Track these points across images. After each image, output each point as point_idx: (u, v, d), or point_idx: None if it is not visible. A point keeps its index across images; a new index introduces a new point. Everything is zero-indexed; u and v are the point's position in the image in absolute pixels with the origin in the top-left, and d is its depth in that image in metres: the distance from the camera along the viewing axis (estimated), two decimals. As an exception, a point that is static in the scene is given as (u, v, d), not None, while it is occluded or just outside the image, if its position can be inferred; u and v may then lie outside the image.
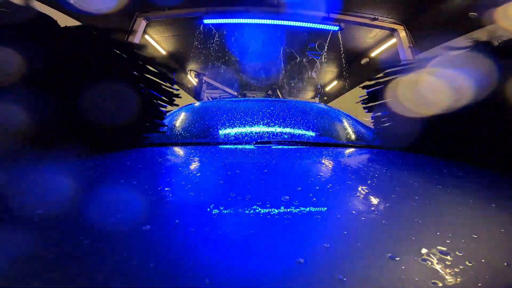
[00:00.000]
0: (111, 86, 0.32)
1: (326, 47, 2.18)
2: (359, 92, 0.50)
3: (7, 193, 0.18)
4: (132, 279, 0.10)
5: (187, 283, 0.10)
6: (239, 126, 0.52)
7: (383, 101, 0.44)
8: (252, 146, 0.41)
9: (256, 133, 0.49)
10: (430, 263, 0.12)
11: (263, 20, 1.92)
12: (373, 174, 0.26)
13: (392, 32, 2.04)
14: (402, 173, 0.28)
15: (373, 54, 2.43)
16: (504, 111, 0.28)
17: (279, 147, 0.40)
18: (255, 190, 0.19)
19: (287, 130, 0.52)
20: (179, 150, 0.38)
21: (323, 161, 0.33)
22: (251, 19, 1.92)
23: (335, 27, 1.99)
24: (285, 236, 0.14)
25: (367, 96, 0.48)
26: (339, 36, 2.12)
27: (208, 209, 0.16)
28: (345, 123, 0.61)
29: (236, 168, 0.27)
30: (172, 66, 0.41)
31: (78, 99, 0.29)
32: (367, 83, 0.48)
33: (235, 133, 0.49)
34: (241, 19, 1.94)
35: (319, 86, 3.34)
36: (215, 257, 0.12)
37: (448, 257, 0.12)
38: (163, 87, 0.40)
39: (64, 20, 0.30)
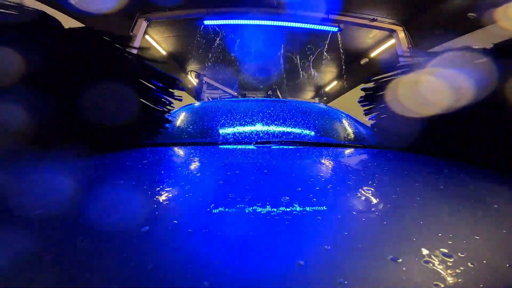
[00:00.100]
0: (111, 87, 0.32)
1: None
2: (359, 92, 0.51)
3: (7, 193, 0.17)
4: (132, 279, 0.10)
5: (186, 284, 0.10)
6: (239, 126, 0.52)
7: (383, 101, 0.44)
8: (252, 146, 0.41)
9: (256, 133, 0.49)
10: (432, 265, 0.11)
11: (263, 21, 1.93)
12: (373, 174, 0.26)
13: (391, 33, 2.05)
14: (402, 173, 0.28)
15: (373, 54, 2.44)
16: (504, 111, 0.28)
17: (279, 147, 0.40)
18: (255, 190, 0.19)
19: (287, 130, 0.52)
20: (179, 150, 0.38)
21: (323, 161, 0.33)
22: (251, 20, 1.94)
23: (334, 28, 2.00)
24: (285, 238, 0.13)
25: (365, 97, 0.48)
26: (339, 37, 2.13)
27: (208, 210, 0.16)
28: (345, 123, 0.61)
29: (236, 168, 0.27)
30: (174, 76, 0.40)
31: (78, 99, 0.29)
32: (364, 85, 0.48)
33: (235, 133, 0.49)
34: (241, 20, 1.95)
35: (320, 86, 3.35)
36: (215, 258, 0.12)
37: (450, 259, 0.12)
38: (164, 89, 0.40)
39: (64, 20, 0.30)
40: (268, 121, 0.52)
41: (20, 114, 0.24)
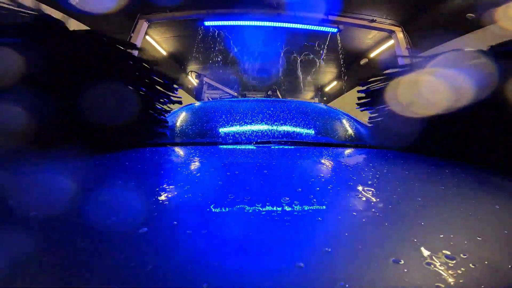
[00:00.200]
0: (111, 87, 0.32)
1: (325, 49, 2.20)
2: (358, 93, 0.51)
3: (7, 193, 0.18)
4: (132, 279, 0.10)
5: (185, 285, 0.10)
6: (239, 126, 0.52)
7: (382, 102, 0.44)
8: (252, 146, 0.41)
9: (256, 133, 0.49)
10: (434, 267, 0.11)
11: (263, 22, 1.94)
12: (373, 174, 0.25)
13: (390, 33, 2.06)
14: (402, 173, 0.28)
15: (372, 54, 2.45)
16: (504, 111, 0.28)
17: (279, 147, 0.40)
18: (255, 191, 0.19)
19: (287, 130, 0.52)
20: (179, 150, 0.38)
21: (323, 161, 0.33)
22: (251, 21, 1.95)
23: (333, 29, 2.02)
24: (285, 239, 0.13)
25: (364, 99, 0.48)
26: (338, 37, 2.14)
27: (208, 210, 0.16)
28: (345, 123, 0.61)
29: (236, 169, 0.27)
30: (172, 75, 0.41)
31: (78, 99, 0.29)
32: (359, 88, 0.48)
33: (235, 133, 0.49)
34: (241, 21, 1.96)
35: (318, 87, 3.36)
36: (214, 259, 0.11)
37: (453, 260, 0.12)
38: (164, 89, 0.40)
39: (65, 21, 0.31)
40: (268, 121, 0.52)
41: (21, 114, 0.24)
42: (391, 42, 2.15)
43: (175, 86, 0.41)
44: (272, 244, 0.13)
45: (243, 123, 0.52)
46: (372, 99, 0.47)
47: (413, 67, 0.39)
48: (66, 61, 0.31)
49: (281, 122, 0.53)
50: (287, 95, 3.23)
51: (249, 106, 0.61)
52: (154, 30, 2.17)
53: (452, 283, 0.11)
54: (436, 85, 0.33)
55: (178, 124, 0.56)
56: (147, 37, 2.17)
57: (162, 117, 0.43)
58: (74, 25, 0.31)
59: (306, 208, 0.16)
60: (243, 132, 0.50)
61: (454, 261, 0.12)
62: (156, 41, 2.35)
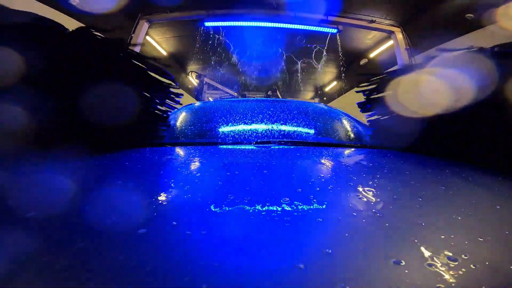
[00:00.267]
0: (111, 87, 0.32)
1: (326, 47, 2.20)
2: (358, 93, 0.51)
3: (7, 193, 0.17)
4: (132, 279, 0.10)
5: (185, 285, 0.10)
6: (239, 126, 0.52)
7: (382, 102, 0.44)
8: (252, 146, 0.41)
9: (256, 133, 0.49)
10: (435, 268, 0.11)
11: (262, 23, 1.95)
12: (374, 174, 0.25)
13: (389, 34, 2.06)
14: (403, 173, 0.28)
15: (372, 55, 2.45)
16: (504, 111, 0.28)
17: (280, 147, 0.40)
18: (254, 191, 0.19)
19: (287, 130, 0.52)
20: (179, 150, 0.38)
21: (323, 161, 0.33)
22: (251, 22, 1.95)
23: (333, 29, 2.02)
24: (285, 240, 0.13)
25: (364, 100, 0.48)
26: (338, 38, 2.14)
27: (207, 211, 0.16)
28: (345, 123, 0.61)
29: (236, 169, 0.27)
30: (170, 71, 0.41)
31: (78, 99, 0.29)
32: (357, 89, 0.48)
33: (235, 133, 0.49)
34: (241, 22, 1.96)
35: (318, 87, 3.37)
36: (213, 261, 0.11)
37: (454, 262, 0.12)
38: (164, 88, 0.40)
39: (65, 21, 0.31)
40: (268, 121, 0.52)
41: (21, 114, 0.24)
42: (391, 42, 2.15)
43: (172, 83, 0.41)
44: (272, 245, 0.13)
45: (243, 123, 0.52)
46: (371, 100, 0.47)
47: (411, 68, 0.39)
48: (64, 61, 0.31)
49: (281, 122, 0.53)
50: (286, 95, 3.24)
51: (249, 106, 0.61)
52: (154, 30, 2.18)
53: (453, 285, 0.10)
54: (436, 85, 0.33)
55: (178, 124, 0.56)
56: (148, 37, 2.17)
57: (163, 115, 0.43)
58: (73, 25, 0.31)
59: (306, 209, 0.16)
60: (243, 132, 0.50)
61: (456, 262, 0.12)
62: (156, 41, 2.35)
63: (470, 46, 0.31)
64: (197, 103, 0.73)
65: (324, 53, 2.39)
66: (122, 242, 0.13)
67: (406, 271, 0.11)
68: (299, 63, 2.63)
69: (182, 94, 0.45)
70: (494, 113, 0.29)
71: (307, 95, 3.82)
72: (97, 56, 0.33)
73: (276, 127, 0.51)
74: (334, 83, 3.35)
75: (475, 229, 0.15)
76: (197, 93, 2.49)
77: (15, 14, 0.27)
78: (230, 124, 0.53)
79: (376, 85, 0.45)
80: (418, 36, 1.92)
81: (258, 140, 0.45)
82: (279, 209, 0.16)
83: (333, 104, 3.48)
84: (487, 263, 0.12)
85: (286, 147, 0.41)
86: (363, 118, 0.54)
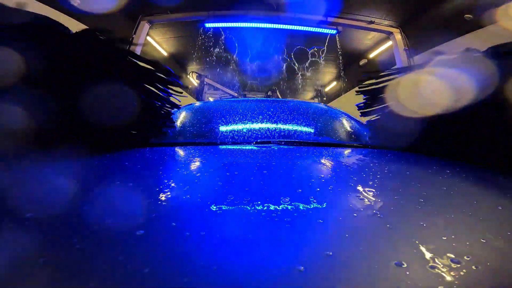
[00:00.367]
0: (112, 87, 0.32)
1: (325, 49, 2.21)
2: (356, 91, 0.51)
3: (7, 193, 0.17)
4: (132, 279, 0.10)
5: (184, 286, 0.10)
6: (239, 126, 0.51)
7: (381, 102, 0.44)
8: (252, 146, 0.41)
9: (256, 133, 0.49)
10: (438, 270, 0.11)
11: (263, 24, 1.96)
12: (374, 175, 0.25)
13: (388, 35, 2.07)
14: (403, 174, 0.28)
15: (372, 55, 2.46)
16: (504, 111, 0.28)
17: (279, 147, 0.40)
18: (255, 191, 0.19)
19: (287, 130, 0.52)
20: (179, 150, 0.38)
21: (323, 161, 0.33)
22: (251, 23, 1.96)
23: (332, 30, 2.03)
24: (285, 242, 0.13)
25: (364, 101, 0.48)
26: (337, 39, 2.15)
27: (207, 211, 0.16)
28: (345, 123, 0.61)
29: (236, 169, 0.26)
30: (173, 71, 0.41)
31: (79, 99, 0.29)
32: (357, 89, 0.48)
33: (235, 133, 0.49)
34: (241, 23, 1.97)
35: (319, 88, 3.38)
36: (212, 261, 0.11)
37: (457, 264, 0.11)
38: (165, 88, 0.40)
39: (65, 22, 0.31)
40: (268, 121, 0.52)
41: (21, 114, 0.24)
42: (389, 43, 2.16)
43: (174, 83, 0.41)
44: (271, 246, 0.13)
45: (243, 123, 0.52)
46: (371, 101, 0.47)
47: (409, 69, 0.39)
48: (66, 61, 0.31)
49: (281, 122, 0.53)
50: (286, 95, 3.24)
51: (249, 106, 0.61)
52: (155, 30, 2.18)
53: (455, 287, 0.10)
54: (435, 85, 0.33)
55: (178, 124, 0.56)
56: (148, 38, 2.18)
57: (165, 114, 0.43)
58: (73, 25, 0.31)
59: (306, 209, 0.16)
60: (243, 132, 0.50)
61: (459, 264, 0.11)
62: (157, 42, 2.35)
63: (466, 49, 0.32)
64: (197, 103, 0.73)
65: (324, 53, 2.39)
66: (122, 242, 0.13)
67: (408, 273, 0.11)
68: (299, 63, 2.64)
69: (182, 92, 0.45)
70: (494, 113, 0.29)
71: (307, 95, 3.83)
72: (101, 57, 0.33)
73: (276, 127, 0.51)
74: (334, 83, 3.36)
75: (477, 230, 0.15)
76: (197, 94, 2.49)
77: (16, 13, 0.27)
78: (230, 124, 0.53)
79: (377, 84, 0.45)
80: (417, 36, 1.93)
81: (258, 140, 0.45)
82: (279, 210, 0.16)
83: (333, 104, 3.48)
84: (488, 264, 0.12)
85: (286, 147, 0.41)
86: (363, 118, 0.54)
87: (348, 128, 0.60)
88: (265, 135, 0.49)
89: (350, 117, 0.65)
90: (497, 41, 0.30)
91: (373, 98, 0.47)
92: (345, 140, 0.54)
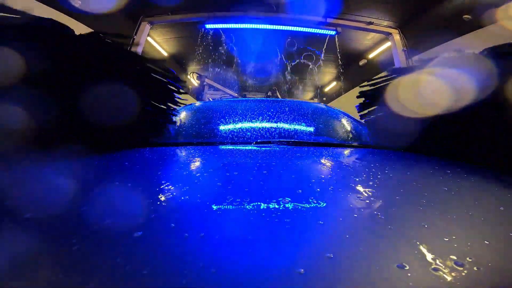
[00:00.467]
0: (114, 88, 0.32)
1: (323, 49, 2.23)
2: (357, 93, 0.51)
3: (7, 193, 0.17)
4: (132, 279, 0.10)
5: (183, 286, 0.10)
6: (239, 126, 0.51)
7: (381, 102, 0.44)
8: (252, 147, 0.41)
9: (256, 133, 0.49)
10: (440, 272, 0.11)
11: (262, 25, 1.97)
12: (375, 175, 0.25)
13: (387, 35, 2.08)
14: (404, 174, 0.28)
15: (371, 55, 2.46)
16: (504, 111, 0.28)
17: (280, 147, 0.40)
18: (255, 192, 0.19)
19: (287, 130, 0.52)
20: (178, 150, 0.38)
21: (323, 161, 0.32)
22: (250, 24, 1.97)
23: (331, 31, 2.03)
24: (285, 244, 0.13)
25: (363, 104, 0.48)
26: (336, 39, 2.16)
27: (207, 211, 0.16)
28: (345, 123, 0.61)
29: (235, 169, 0.26)
30: (175, 72, 0.41)
31: (81, 100, 0.30)
32: (359, 89, 0.49)
33: (235, 133, 0.49)
34: (241, 24, 1.98)
35: (318, 87, 3.39)
36: (212, 262, 0.11)
37: (460, 266, 0.11)
38: (168, 88, 0.41)
39: (66, 22, 0.32)
40: (268, 121, 0.52)
41: (22, 114, 0.24)
42: (389, 43, 2.17)
43: (178, 85, 0.42)
44: (271, 248, 0.13)
45: (243, 123, 0.52)
46: (369, 103, 0.47)
47: (408, 70, 0.39)
48: (69, 62, 0.31)
49: (281, 122, 0.53)
50: (286, 95, 3.26)
51: (249, 106, 0.61)
52: (155, 31, 2.19)
53: None
54: (436, 85, 0.33)
55: (178, 124, 0.56)
56: (148, 38, 2.19)
57: (167, 114, 0.43)
58: (73, 25, 0.32)
59: (307, 210, 0.16)
60: (243, 132, 0.50)
61: (462, 266, 0.11)
62: (157, 42, 2.36)
63: (458, 49, 0.32)
64: (197, 103, 0.73)
65: (324, 54, 2.40)
66: (121, 242, 0.13)
67: (410, 275, 0.11)
68: (298, 64, 2.65)
69: (186, 92, 0.45)
70: (494, 113, 0.29)
71: (307, 95, 3.84)
72: (106, 59, 0.34)
73: (276, 127, 0.51)
74: (334, 83, 3.37)
75: (479, 231, 0.15)
76: (197, 94, 2.50)
77: (23, 14, 0.27)
78: (230, 124, 0.52)
79: (378, 85, 0.45)
80: (416, 37, 1.94)
81: (258, 140, 0.45)
82: (279, 211, 0.16)
83: (333, 104, 3.50)
84: (491, 265, 0.12)
85: (286, 147, 0.41)
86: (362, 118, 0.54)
87: (348, 128, 0.60)
88: (265, 135, 0.49)
89: (350, 117, 0.65)
90: (497, 41, 0.30)
91: (372, 99, 0.47)
92: (345, 140, 0.54)
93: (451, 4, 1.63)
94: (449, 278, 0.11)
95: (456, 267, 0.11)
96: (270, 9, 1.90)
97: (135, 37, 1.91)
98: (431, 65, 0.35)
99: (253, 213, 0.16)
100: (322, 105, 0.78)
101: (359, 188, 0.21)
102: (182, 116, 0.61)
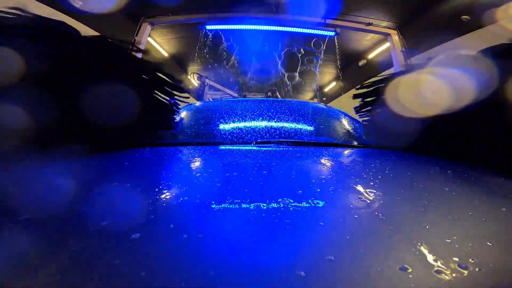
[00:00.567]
0: (115, 88, 0.33)
1: (323, 49, 2.24)
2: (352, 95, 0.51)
3: (7, 193, 0.17)
4: (131, 279, 0.10)
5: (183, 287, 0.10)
6: (239, 126, 0.51)
7: (380, 102, 0.44)
8: (252, 147, 0.41)
9: (256, 133, 0.49)
10: (443, 274, 0.11)
11: (262, 26, 1.98)
12: (375, 175, 0.25)
13: (386, 36, 2.08)
14: (405, 174, 0.27)
15: (371, 56, 2.48)
16: (504, 111, 0.28)
17: (279, 147, 0.40)
18: (254, 192, 0.19)
19: (287, 130, 0.52)
20: (178, 150, 0.38)
21: (324, 162, 0.32)
22: (251, 25, 1.98)
23: (331, 32, 2.04)
24: (285, 245, 0.13)
25: (362, 105, 0.49)
26: (336, 40, 2.16)
27: (207, 212, 0.16)
28: (345, 123, 0.61)
29: (235, 169, 0.26)
30: (176, 76, 0.42)
31: (84, 101, 0.30)
32: (355, 92, 0.49)
33: (235, 133, 0.49)
34: (241, 25, 1.98)
35: (317, 88, 3.40)
36: (211, 263, 0.11)
37: (464, 269, 0.11)
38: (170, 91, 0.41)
39: (68, 22, 0.32)
40: (269, 121, 0.52)
41: (22, 114, 0.24)
42: (388, 44, 2.18)
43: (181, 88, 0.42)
44: (270, 250, 0.12)
45: (243, 123, 0.52)
46: (368, 104, 0.47)
47: (407, 70, 0.40)
48: (73, 63, 0.32)
49: (281, 122, 0.53)
50: (286, 95, 3.27)
51: (249, 106, 0.60)
52: (156, 31, 2.20)
53: None
54: (435, 85, 0.33)
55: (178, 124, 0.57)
56: (149, 39, 2.19)
57: (170, 114, 0.44)
58: (73, 25, 0.32)
59: (307, 212, 0.16)
60: (243, 132, 0.50)
61: (465, 269, 0.11)
62: (157, 43, 2.37)
63: (449, 52, 0.32)
64: (197, 103, 0.73)
65: (323, 54, 2.41)
66: (121, 242, 0.13)
67: (411, 277, 0.11)
68: (298, 64, 2.66)
69: (188, 97, 0.46)
70: (494, 113, 0.30)
71: (307, 95, 3.85)
72: (111, 61, 0.34)
73: (276, 127, 0.51)
74: (334, 83, 3.38)
75: (481, 232, 0.15)
76: (198, 94, 2.50)
77: (33, 16, 0.28)
78: (229, 124, 0.52)
79: (372, 88, 0.45)
80: (415, 37, 1.94)
81: (258, 140, 0.45)
82: (280, 212, 0.16)
83: (333, 104, 3.50)
84: (492, 266, 0.12)
85: (286, 147, 0.41)
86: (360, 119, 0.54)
87: (348, 128, 0.59)
88: (265, 135, 0.49)
89: (350, 117, 0.65)
90: (497, 41, 0.30)
91: (368, 101, 0.47)
92: (345, 140, 0.54)
93: (449, 5, 1.64)
94: (452, 281, 0.11)
95: (459, 269, 0.11)
96: (270, 10, 1.90)
97: (136, 38, 1.92)
98: (429, 66, 0.35)
99: (253, 214, 0.16)
100: (322, 105, 0.78)
101: (360, 188, 0.21)
102: (182, 116, 0.61)
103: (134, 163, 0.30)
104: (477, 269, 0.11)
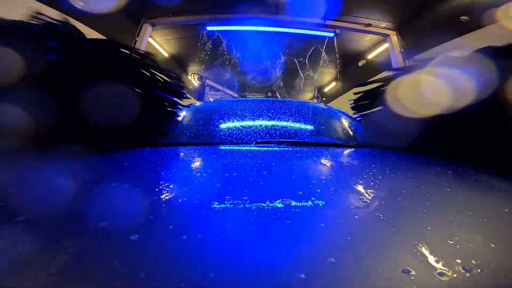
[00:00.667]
0: (116, 89, 0.33)
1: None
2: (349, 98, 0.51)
3: (7, 193, 0.17)
4: (131, 279, 0.10)
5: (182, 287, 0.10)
6: (239, 126, 0.51)
7: (380, 102, 0.44)
8: (251, 147, 0.41)
9: (256, 133, 0.49)
10: (446, 277, 0.11)
11: (262, 27, 1.98)
12: (376, 175, 0.25)
13: (385, 37, 2.09)
14: (406, 175, 0.27)
15: (370, 56, 2.48)
16: (504, 111, 0.28)
17: (279, 147, 0.40)
18: (254, 193, 0.19)
19: (287, 130, 0.52)
20: (178, 150, 0.38)
21: (324, 162, 0.32)
22: (251, 26, 1.98)
23: (330, 33, 2.05)
24: (285, 247, 0.13)
25: (359, 106, 0.49)
26: (335, 41, 2.17)
27: (207, 212, 0.16)
28: (345, 123, 0.61)
29: (235, 169, 0.26)
30: (176, 74, 0.42)
31: (82, 100, 0.30)
32: (355, 90, 0.49)
33: (235, 133, 0.49)
34: (241, 26, 1.99)
35: (317, 88, 3.41)
36: (210, 266, 0.11)
37: (467, 271, 0.11)
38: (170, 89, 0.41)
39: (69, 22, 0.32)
40: (269, 122, 0.52)
41: (22, 114, 0.24)
42: (387, 44, 2.18)
43: (182, 90, 0.43)
44: (270, 252, 0.12)
45: (243, 124, 0.52)
46: (370, 101, 0.47)
47: (406, 71, 0.40)
48: (75, 65, 0.32)
49: (281, 122, 0.53)
50: (286, 95, 3.27)
51: (249, 106, 0.60)
52: (156, 32, 2.21)
53: None
54: (435, 85, 0.33)
55: (178, 124, 0.57)
56: (149, 39, 2.20)
57: (170, 114, 0.44)
58: (75, 24, 0.33)
59: (308, 213, 0.16)
60: (243, 132, 0.49)
61: (468, 271, 0.11)
62: (158, 43, 2.38)
63: (444, 55, 0.32)
64: (197, 103, 0.73)
65: (323, 55, 2.42)
66: (120, 243, 0.13)
67: (414, 279, 0.10)
68: (298, 64, 2.67)
69: (189, 97, 0.46)
70: (494, 113, 0.29)
71: (307, 95, 3.85)
72: (111, 63, 0.35)
73: (276, 127, 0.51)
74: (333, 83, 3.38)
75: (483, 232, 0.15)
76: (198, 95, 2.51)
77: (50, 21, 0.28)
78: (229, 124, 0.52)
79: (371, 90, 0.45)
80: (415, 37, 1.94)
81: (258, 140, 0.44)
82: (280, 212, 0.16)
83: (332, 104, 3.50)
84: (496, 268, 0.12)
85: (286, 147, 0.40)
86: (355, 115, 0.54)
87: (348, 128, 0.59)
88: (265, 135, 0.49)
89: (349, 117, 0.65)
90: (497, 41, 0.30)
91: (363, 106, 0.47)
92: (345, 140, 0.54)
93: (448, 6, 1.64)
94: (455, 283, 0.10)
95: (462, 271, 0.11)
96: (270, 11, 1.91)
97: (137, 38, 1.92)
98: (428, 66, 0.35)
99: (253, 214, 0.16)
100: (322, 105, 0.78)
101: (360, 189, 0.21)
102: (182, 116, 0.61)
103: (134, 163, 0.30)
104: (479, 271, 0.11)
